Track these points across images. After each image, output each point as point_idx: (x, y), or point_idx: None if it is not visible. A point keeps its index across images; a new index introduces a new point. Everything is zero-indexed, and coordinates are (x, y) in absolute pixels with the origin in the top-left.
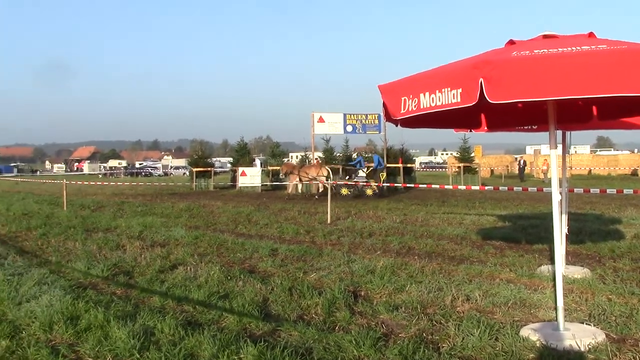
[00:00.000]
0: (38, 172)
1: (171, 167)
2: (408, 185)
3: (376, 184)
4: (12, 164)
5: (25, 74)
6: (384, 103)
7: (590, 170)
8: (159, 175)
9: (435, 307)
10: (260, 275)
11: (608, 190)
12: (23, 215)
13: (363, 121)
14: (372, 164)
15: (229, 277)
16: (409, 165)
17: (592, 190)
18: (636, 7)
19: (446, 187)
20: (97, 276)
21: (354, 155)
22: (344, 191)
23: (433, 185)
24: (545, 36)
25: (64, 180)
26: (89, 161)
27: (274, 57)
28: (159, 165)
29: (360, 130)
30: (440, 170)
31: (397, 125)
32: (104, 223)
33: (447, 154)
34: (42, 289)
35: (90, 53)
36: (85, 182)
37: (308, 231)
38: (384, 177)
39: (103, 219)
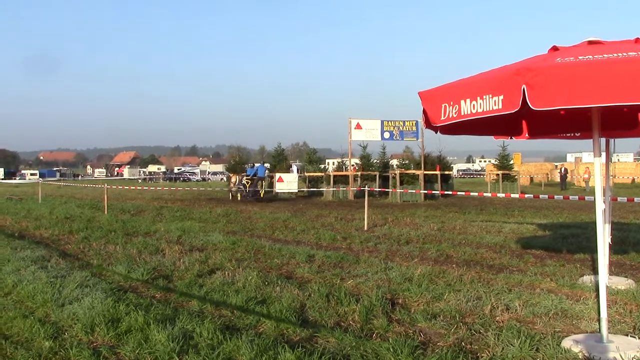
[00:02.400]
0: (80, 177)
1: (209, 173)
2: (446, 192)
3: (254, 189)
4: (54, 169)
5: (68, 84)
6: (424, 110)
7: (633, 179)
8: (197, 181)
9: (474, 316)
10: (298, 281)
11: None
12: (65, 218)
13: (400, 128)
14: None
15: (266, 283)
16: (446, 172)
17: (636, 199)
18: None
19: (485, 194)
20: (137, 279)
21: (247, 166)
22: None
23: (471, 193)
24: (590, 42)
25: (105, 185)
26: (129, 166)
27: (313, 64)
28: (197, 170)
29: (398, 137)
30: (478, 177)
31: (436, 132)
32: (144, 227)
33: (485, 161)
34: (84, 292)
35: (134, 62)
36: (125, 187)
37: (345, 238)
38: (265, 185)
39: (142, 223)
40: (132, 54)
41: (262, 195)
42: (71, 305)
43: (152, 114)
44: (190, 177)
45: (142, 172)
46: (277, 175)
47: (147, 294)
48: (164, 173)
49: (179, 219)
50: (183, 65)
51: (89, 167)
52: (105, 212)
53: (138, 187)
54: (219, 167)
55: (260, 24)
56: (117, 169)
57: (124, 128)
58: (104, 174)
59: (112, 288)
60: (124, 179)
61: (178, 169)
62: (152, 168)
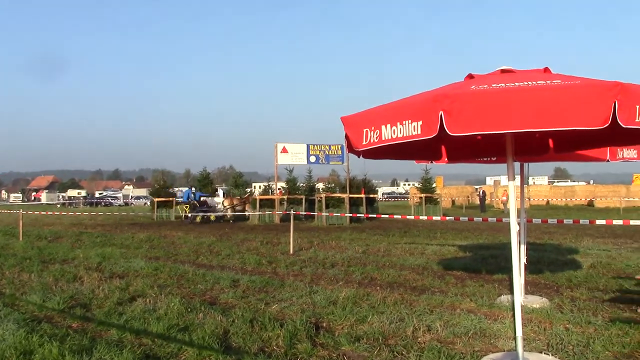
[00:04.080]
0: None
1: (132, 197)
2: (370, 215)
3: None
4: None
5: None
6: (346, 134)
7: (548, 201)
8: (120, 205)
9: (396, 338)
10: (221, 307)
11: (565, 221)
12: None
13: (326, 152)
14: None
15: (189, 309)
16: (371, 195)
17: (549, 221)
18: (589, 44)
19: (408, 217)
20: (53, 309)
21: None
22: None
23: (395, 216)
24: (502, 71)
25: (21, 210)
26: (47, 191)
27: (238, 88)
28: (119, 195)
29: (324, 161)
30: (403, 200)
31: (359, 157)
32: (61, 254)
33: (409, 185)
34: None
35: (50, 80)
36: (42, 212)
37: (270, 262)
38: (187, 208)
39: (60, 250)
40: (51, 75)
41: (212, 219)
42: None
43: (73, 137)
44: (113, 201)
45: (61, 196)
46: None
47: (63, 323)
48: (85, 198)
49: (99, 245)
50: (105, 88)
51: (4, 191)
52: (20, 239)
53: (56, 213)
54: (143, 192)
55: (186, 46)
56: (34, 193)
57: (43, 151)
58: (20, 199)
59: (25, 318)
60: (42, 204)
61: (99, 194)
62: (71, 192)
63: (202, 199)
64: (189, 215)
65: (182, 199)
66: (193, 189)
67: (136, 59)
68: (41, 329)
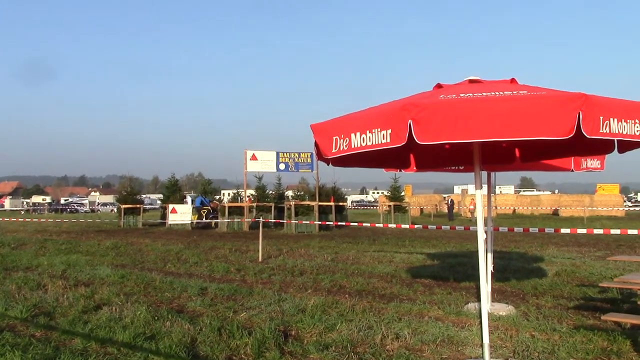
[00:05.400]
0: None
1: (98, 204)
2: (339, 223)
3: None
4: None
5: None
6: (316, 142)
7: (514, 210)
8: (86, 212)
9: (365, 346)
10: (189, 315)
11: (531, 229)
12: None
13: (296, 159)
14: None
15: (156, 318)
16: (340, 203)
17: (516, 229)
18: (555, 55)
19: (377, 225)
20: (16, 318)
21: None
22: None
23: (364, 224)
24: (470, 81)
25: None
26: (10, 197)
27: (208, 93)
28: (85, 201)
29: (293, 169)
30: (372, 208)
31: (328, 164)
32: (25, 261)
33: (378, 193)
34: None
35: (14, 82)
36: (5, 219)
37: (239, 269)
38: (205, 213)
39: (24, 257)
40: (14, 79)
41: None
42: None
43: (38, 143)
44: (78, 208)
45: (25, 203)
46: (170, 206)
47: (25, 332)
48: (50, 204)
49: (64, 253)
50: (72, 93)
51: None
52: None
53: (20, 219)
54: (110, 198)
55: (156, 52)
56: None
57: (6, 157)
58: None
59: None
60: (5, 210)
61: (65, 200)
62: (36, 199)
63: (211, 204)
64: (203, 220)
65: (194, 205)
66: (202, 195)
67: (106, 65)
68: (3, 338)
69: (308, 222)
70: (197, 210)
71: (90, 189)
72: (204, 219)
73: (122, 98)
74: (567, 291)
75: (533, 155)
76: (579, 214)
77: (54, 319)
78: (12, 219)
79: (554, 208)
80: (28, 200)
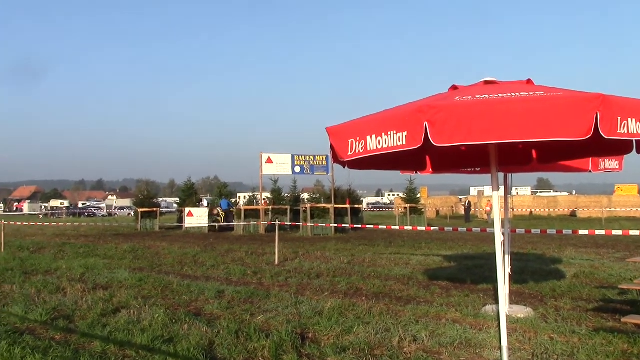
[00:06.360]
0: None
1: (116, 208)
2: (355, 225)
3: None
4: None
5: None
6: (331, 145)
7: (531, 211)
8: (103, 216)
9: (382, 349)
10: (207, 318)
11: (548, 231)
12: None
13: (311, 162)
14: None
15: (173, 321)
16: (356, 205)
17: (533, 231)
18: (572, 57)
19: (393, 227)
20: (35, 321)
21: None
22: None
23: (380, 226)
24: (486, 82)
25: (2, 221)
26: (29, 201)
27: (222, 98)
28: (103, 205)
29: (308, 171)
30: (387, 210)
31: (344, 167)
32: (44, 265)
33: (393, 195)
34: None
35: (31, 89)
36: (25, 223)
37: (255, 272)
38: (224, 215)
39: (43, 261)
40: (31, 83)
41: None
42: None
43: (55, 147)
44: (96, 212)
45: (43, 207)
46: (187, 210)
47: (45, 335)
48: (68, 208)
49: (83, 256)
50: (88, 97)
51: None
52: (2, 250)
53: (39, 223)
54: (127, 202)
55: (171, 55)
56: (16, 204)
57: (25, 161)
58: (2, 210)
59: (7, 331)
60: (24, 214)
61: (82, 204)
62: (54, 203)
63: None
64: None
65: (222, 208)
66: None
67: (121, 68)
68: (24, 341)
69: (324, 224)
70: (224, 212)
71: (107, 193)
72: (222, 221)
73: (138, 102)
74: (586, 293)
75: (550, 156)
76: (597, 215)
77: (73, 322)
78: (31, 223)
79: (571, 209)
80: (46, 205)
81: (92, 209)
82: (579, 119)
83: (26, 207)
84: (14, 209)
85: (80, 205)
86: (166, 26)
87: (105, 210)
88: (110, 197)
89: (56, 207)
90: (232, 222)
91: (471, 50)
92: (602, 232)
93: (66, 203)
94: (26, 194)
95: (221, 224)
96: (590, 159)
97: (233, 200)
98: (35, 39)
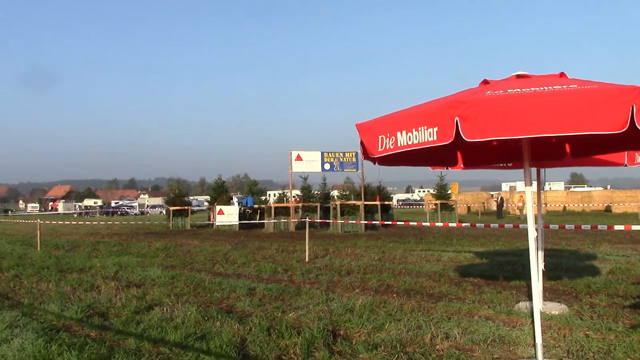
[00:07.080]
0: (10, 212)
1: (148, 206)
2: (386, 222)
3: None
4: None
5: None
6: (361, 141)
7: (565, 207)
8: (135, 214)
9: (414, 346)
10: (238, 315)
11: (583, 226)
12: None
13: (341, 159)
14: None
15: (206, 318)
16: (386, 202)
17: (567, 227)
18: (607, 49)
19: (424, 224)
20: (71, 318)
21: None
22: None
23: (410, 223)
24: (518, 76)
25: (38, 220)
26: (63, 200)
27: (252, 96)
28: (135, 204)
29: (338, 168)
30: (418, 207)
31: (375, 163)
32: (79, 263)
33: (424, 191)
34: (14, 332)
35: (65, 89)
36: (59, 222)
37: (286, 270)
38: (250, 212)
39: (77, 259)
40: (64, 83)
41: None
42: (0, 347)
43: (88, 147)
44: (128, 210)
45: (77, 206)
46: (218, 207)
47: (81, 332)
48: (101, 207)
49: (116, 254)
50: (120, 97)
51: (21, 202)
52: (38, 249)
53: (73, 222)
54: (158, 200)
55: (199, 56)
56: (51, 203)
57: (59, 161)
58: (38, 209)
59: (44, 328)
60: (59, 213)
61: (115, 203)
62: (88, 202)
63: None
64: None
65: (245, 205)
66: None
67: (150, 68)
68: (60, 338)
69: (354, 221)
70: (250, 208)
71: (139, 192)
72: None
73: (169, 101)
74: (622, 289)
75: (584, 150)
76: (633, 210)
77: (107, 320)
78: (66, 222)
79: (606, 204)
80: (80, 204)
81: (125, 207)
82: (614, 112)
83: (61, 206)
84: (49, 208)
85: (113, 204)
86: (197, 28)
87: (137, 209)
88: (142, 195)
89: (90, 206)
90: (256, 219)
91: (502, 44)
92: (639, 228)
93: (99, 202)
94: (60, 194)
95: (252, 221)
96: (626, 152)
97: (261, 198)
98: (65, 41)
